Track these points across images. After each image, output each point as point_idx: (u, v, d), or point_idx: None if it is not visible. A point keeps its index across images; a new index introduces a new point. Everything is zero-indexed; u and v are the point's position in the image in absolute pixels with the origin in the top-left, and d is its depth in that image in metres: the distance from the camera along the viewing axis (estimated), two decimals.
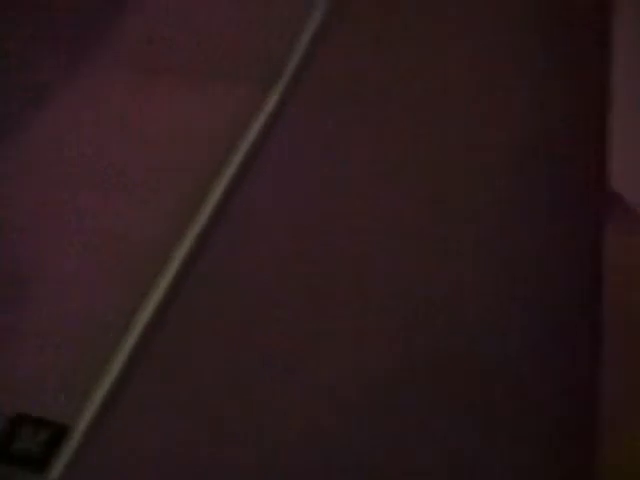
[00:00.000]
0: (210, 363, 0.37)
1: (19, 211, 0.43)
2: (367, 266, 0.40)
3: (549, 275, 0.43)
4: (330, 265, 0.40)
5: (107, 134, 0.45)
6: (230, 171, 0.42)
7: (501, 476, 0.37)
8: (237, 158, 0.42)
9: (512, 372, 0.39)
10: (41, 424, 0.35)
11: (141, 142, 0.44)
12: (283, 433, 0.35)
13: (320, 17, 0.48)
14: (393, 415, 0.36)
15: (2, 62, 0.56)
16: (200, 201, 0.41)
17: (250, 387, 0.36)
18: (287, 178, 0.42)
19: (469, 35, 0.48)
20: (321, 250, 0.40)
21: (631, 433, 0.46)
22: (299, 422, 0.36)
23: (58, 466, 0.34)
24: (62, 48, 0.52)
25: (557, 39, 0.49)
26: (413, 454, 0.36)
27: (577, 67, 0.49)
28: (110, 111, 0.46)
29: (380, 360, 0.38)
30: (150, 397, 0.36)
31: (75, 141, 0.45)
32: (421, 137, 0.44)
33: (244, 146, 0.43)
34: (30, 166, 0.45)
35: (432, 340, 0.39)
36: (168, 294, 0.38)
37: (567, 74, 0.49)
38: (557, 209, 0.45)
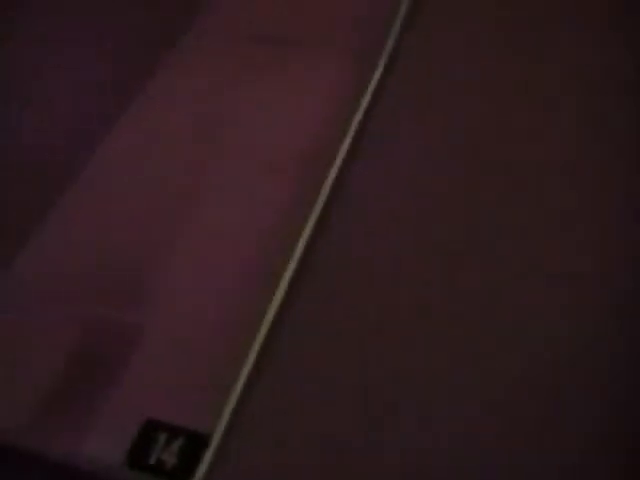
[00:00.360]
0: (338, 362, 0.36)
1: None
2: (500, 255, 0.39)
3: None
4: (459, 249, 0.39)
5: (214, 108, 0.44)
6: (344, 146, 0.41)
7: None
8: (350, 130, 0.42)
9: None
10: (174, 431, 0.33)
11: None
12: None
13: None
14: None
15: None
16: (320, 174, 0.40)
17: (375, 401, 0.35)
18: (394, 156, 0.42)
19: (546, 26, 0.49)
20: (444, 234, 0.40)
21: None
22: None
23: (198, 477, 0.32)
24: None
25: None
26: None
27: None
28: (218, 82, 0.45)
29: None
30: (281, 403, 0.35)
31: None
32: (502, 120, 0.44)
33: (354, 120, 0.42)
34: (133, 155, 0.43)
35: None
36: (289, 291, 0.37)
37: None
38: None
